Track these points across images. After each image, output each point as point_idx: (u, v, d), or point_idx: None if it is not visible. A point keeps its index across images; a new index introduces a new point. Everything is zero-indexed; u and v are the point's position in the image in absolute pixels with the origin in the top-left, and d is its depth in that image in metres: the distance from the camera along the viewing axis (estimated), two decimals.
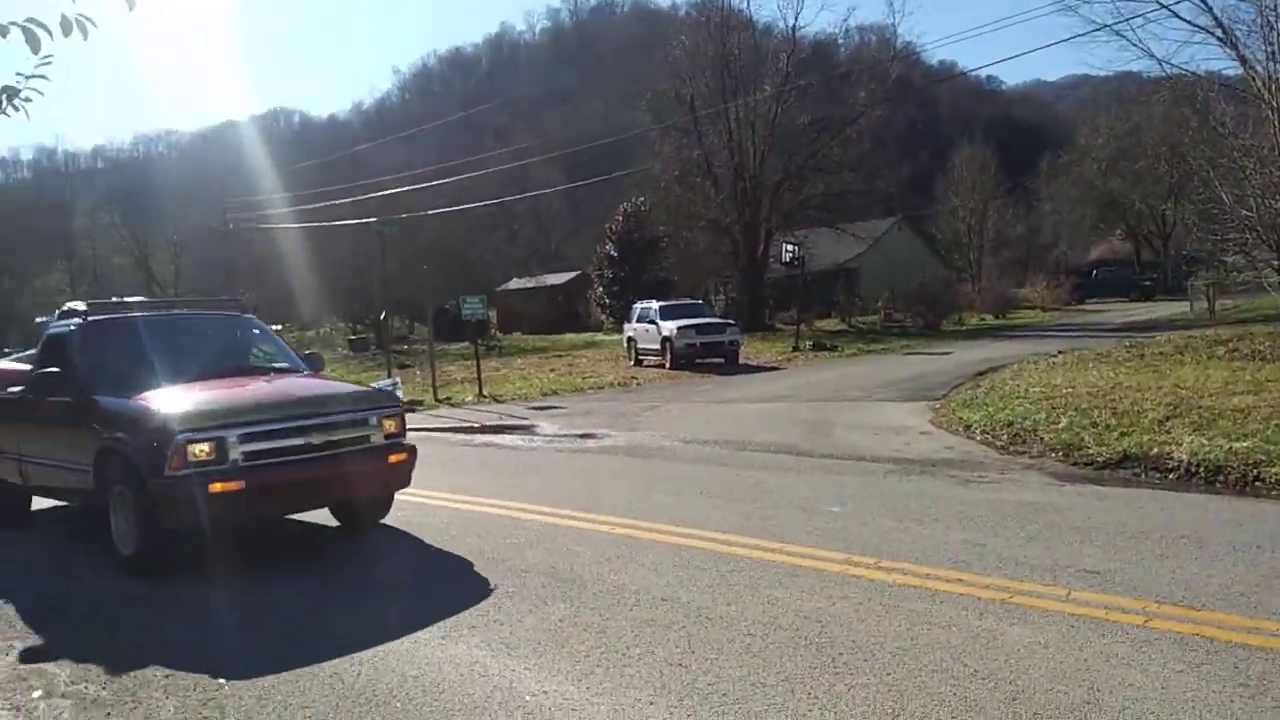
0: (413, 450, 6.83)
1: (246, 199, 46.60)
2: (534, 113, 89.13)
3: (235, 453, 5.88)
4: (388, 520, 7.36)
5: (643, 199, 43.11)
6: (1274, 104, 16.03)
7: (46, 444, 7.24)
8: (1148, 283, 49.16)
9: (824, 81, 40.54)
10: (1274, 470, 7.16)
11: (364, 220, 30.76)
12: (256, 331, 8.36)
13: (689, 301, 29.17)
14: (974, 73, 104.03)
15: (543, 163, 55.76)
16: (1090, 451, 8.56)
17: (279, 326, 38.71)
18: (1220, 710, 3.40)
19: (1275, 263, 16.43)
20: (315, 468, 6.24)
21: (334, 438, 6.34)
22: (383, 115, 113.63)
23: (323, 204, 40.48)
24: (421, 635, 4.72)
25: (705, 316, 26.22)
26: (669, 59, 40.30)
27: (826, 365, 23.17)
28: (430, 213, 40.27)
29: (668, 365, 24.00)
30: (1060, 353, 18.21)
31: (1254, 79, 16.93)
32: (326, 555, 6.96)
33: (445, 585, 5.71)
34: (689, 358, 23.80)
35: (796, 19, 38.78)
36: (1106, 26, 20.61)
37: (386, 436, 6.67)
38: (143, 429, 5.99)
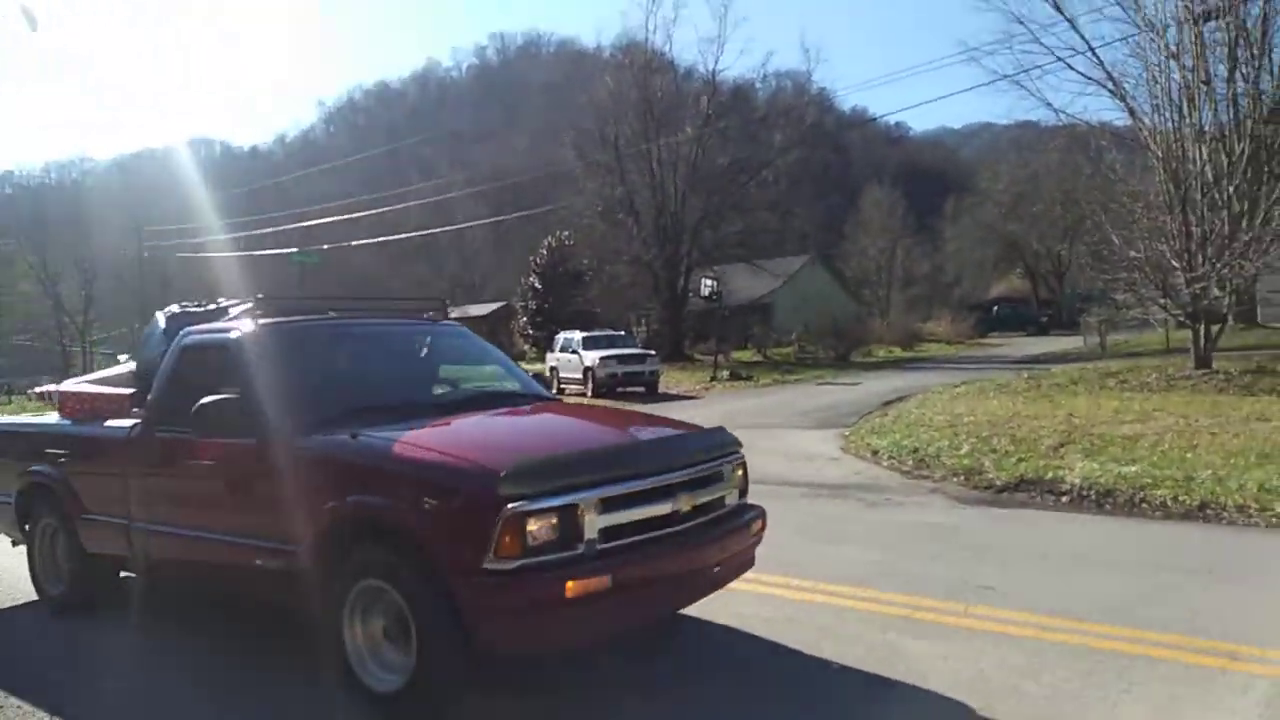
0: (764, 514, 4.78)
1: (165, 228, 45.33)
2: (460, 148, 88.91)
3: (592, 529, 3.71)
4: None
5: (567, 233, 43.46)
6: (1159, 152, 17.09)
7: (199, 506, 4.85)
8: (1044, 319, 51.52)
9: (743, 124, 41.59)
10: (1159, 493, 7.61)
11: (281, 250, 30.26)
12: (469, 343, 6.15)
13: (611, 333, 29.46)
14: (883, 119, 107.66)
15: (467, 197, 55.68)
16: (989, 476, 8.94)
17: None
18: (1106, 714, 3.64)
19: (1160, 301, 17.39)
20: (689, 548, 4.11)
21: (700, 501, 4.25)
22: (306, 147, 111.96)
23: (244, 234, 39.68)
24: None
25: (627, 347, 26.61)
26: (593, 100, 40.87)
27: (743, 394, 23.55)
28: (353, 244, 39.84)
29: (589, 394, 24.15)
30: (963, 384, 18.88)
31: (1141, 129, 18.04)
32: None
33: None
34: (610, 387, 24.11)
35: (716, 63, 39.36)
36: (1007, 77, 21.77)
37: (740, 493, 4.73)
38: (432, 487, 3.74)
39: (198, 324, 5.43)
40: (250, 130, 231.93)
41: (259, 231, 39.38)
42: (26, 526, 6.08)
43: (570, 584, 3.55)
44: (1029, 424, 11.50)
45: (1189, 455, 8.87)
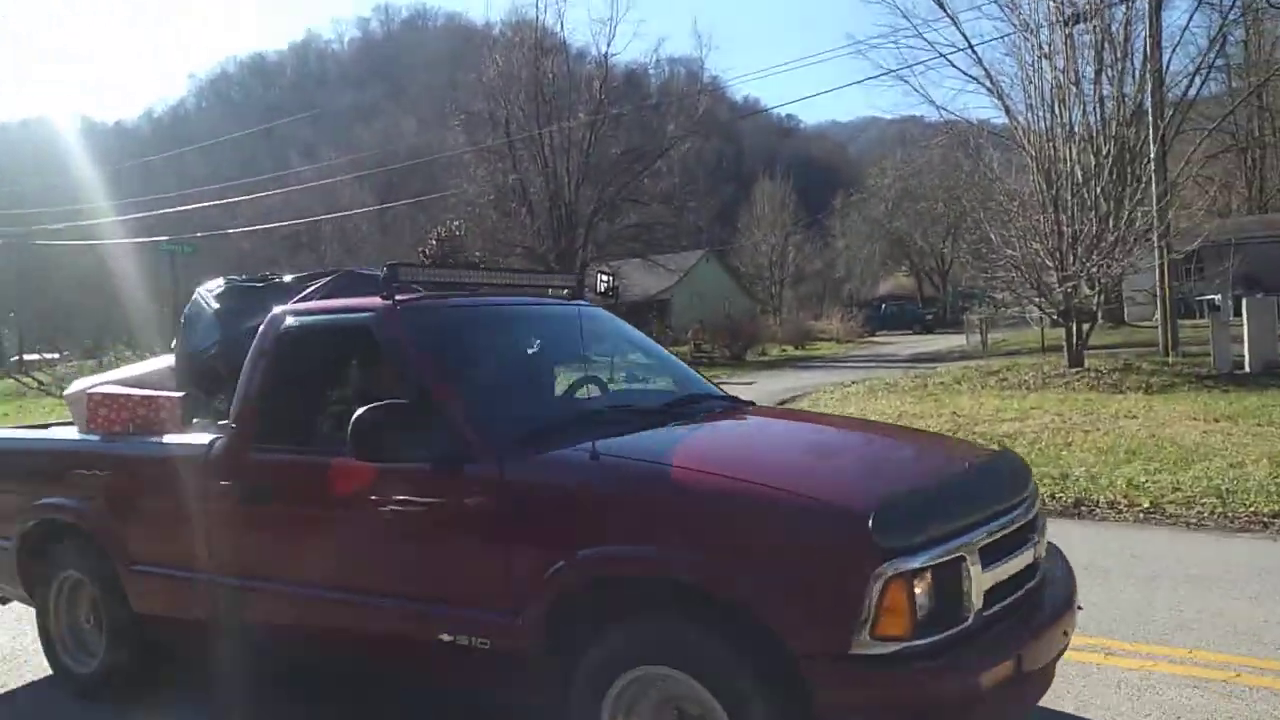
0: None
1: (12, 211, 42.33)
2: (342, 127, 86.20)
3: (978, 591, 2.67)
4: None
5: (457, 223, 42.58)
6: (1033, 152, 17.81)
7: (340, 556, 3.51)
8: (929, 317, 53.33)
9: (636, 111, 41.58)
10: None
11: (153, 239, 28.67)
12: (613, 327, 4.87)
13: None
14: (775, 110, 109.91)
15: (352, 181, 53.98)
16: None
17: (56, 355, 35.22)
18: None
19: (1036, 300, 18.15)
20: (1057, 614, 3.05)
21: (1041, 549, 3.21)
22: (177, 124, 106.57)
23: (110, 219, 37.40)
24: None
25: None
26: (483, 79, 40.14)
27: None
28: (230, 231, 38.07)
29: None
30: (853, 383, 19.34)
31: (1016, 128, 18.77)
32: None
33: None
34: None
35: (609, 46, 39.27)
36: (892, 72, 22.44)
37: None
38: (769, 533, 2.63)
39: (262, 303, 4.15)
40: (115, 105, 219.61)
41: (127, 217, 37.20)
42: (35, 580, 4.55)
43: (985, 675, 2.56)
44: (916, 423, 11.80)
45: (1064, 452, 9.24)
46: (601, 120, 38.19)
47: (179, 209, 36.89)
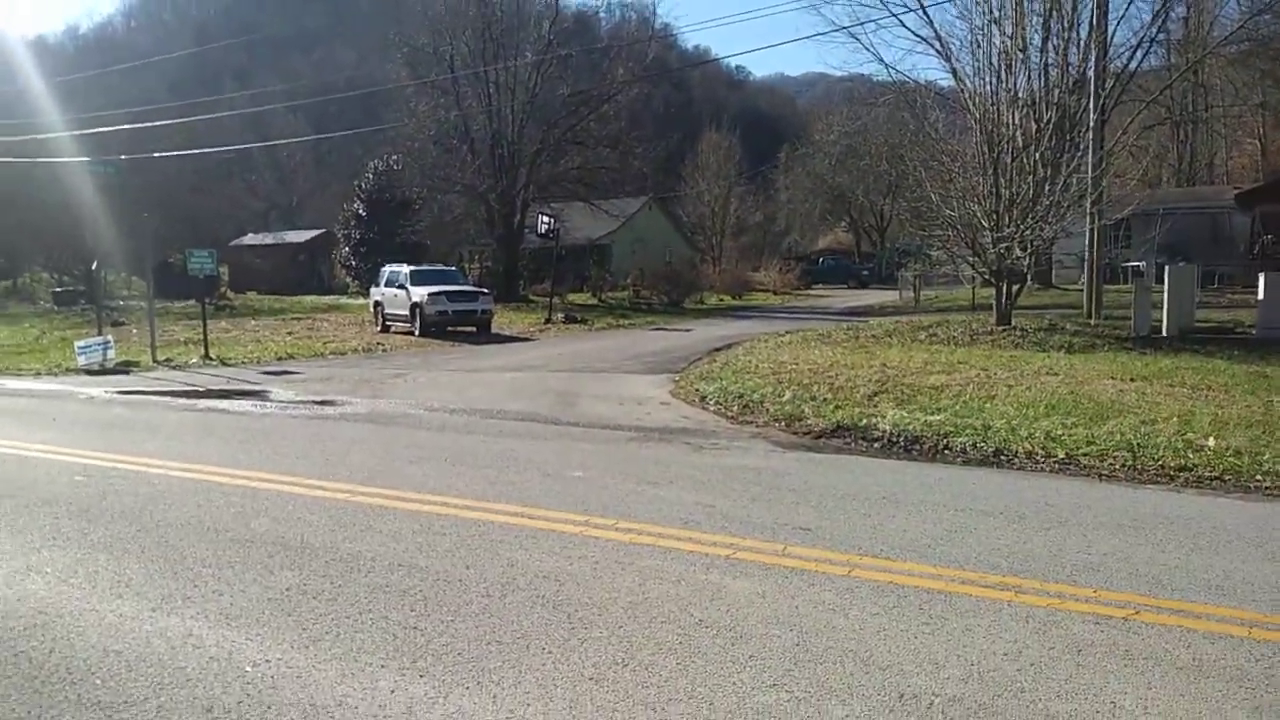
0: None
1: None
2: (279, 55, 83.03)
3: None
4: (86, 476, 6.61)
5: (395, 157, 41.54)
6: (977, 115, 18.07)
7: None
8: (865, 272, 54.14)
9: (584, 54, 40.87)
10: (960, 440, 8.14)
11: (75, 159, 27.39)
12: None
13: (442, 268, 28.52)
14: (724, 61, 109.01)
15: (287, 110, 52.22)
16: (809, 422, 9.31)
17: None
18: (907, 644, 3.84)
19: (970, 259, 18.55)
20: None
21: None
22: (103, 43, 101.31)
23: (25, 137, 35.54)
24: (126, 608, 4.33)
25: (458, 284, 25.78)
26: (427, 14, 38.95)
27: (577, 338, 23.54)
28: (156, 155, 36.49)
29: (417, 332, 23.40)
30: (788, 333, 19.60)
31: (962, 90, 18.99)
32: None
33: (156, 554, 5.25)
34: (440, 325, 23.35)
35: None
36: (844, 28, 22.48)
37: None
38: None
39: None
40: (35, 19, 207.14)
41: (45, 136, 35.38)
42: None
43: None
44: (847, 374, 12.05)
45: (987, 405, 9.54)
46: (549, 61, 37.47)
47: (102, 129, 35.18)
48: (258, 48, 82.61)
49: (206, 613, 4.25)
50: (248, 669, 3.62)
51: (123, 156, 26.08)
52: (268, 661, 3.69)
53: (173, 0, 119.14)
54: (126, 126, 36.44)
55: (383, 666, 3.63)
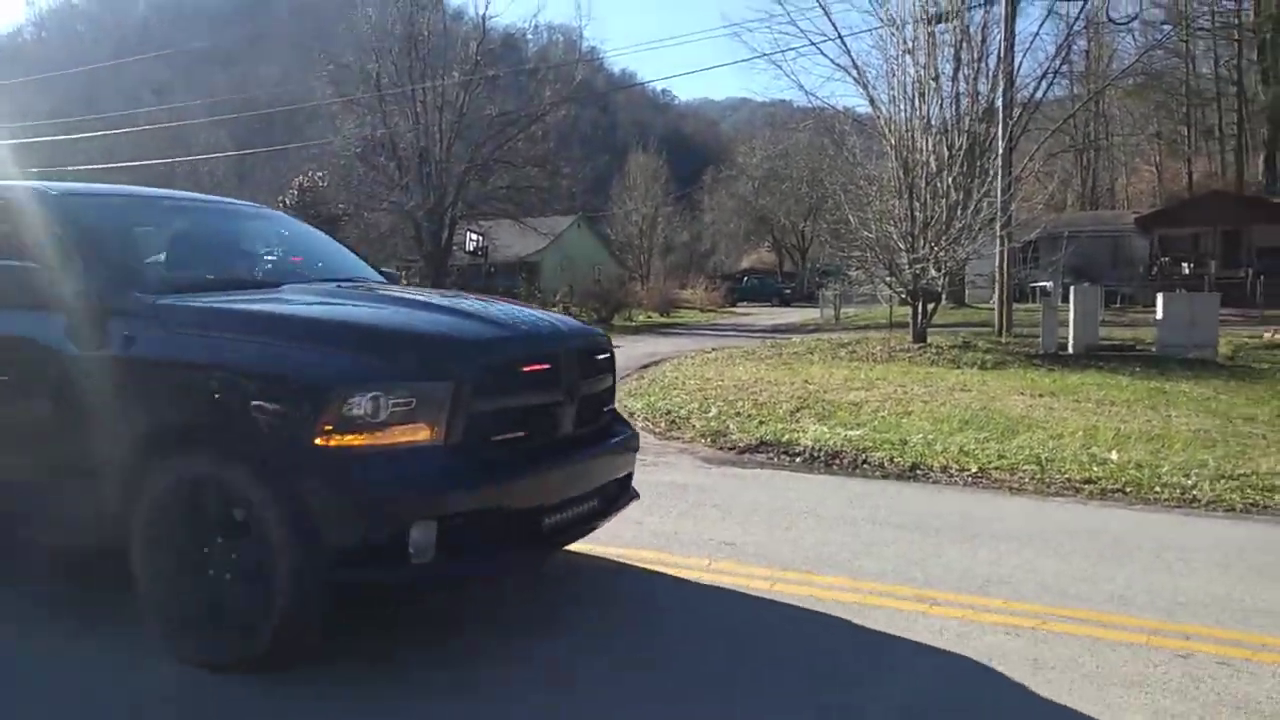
0: None
1: None
2: (200, 69, 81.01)
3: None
4: None
5: (321, 174, 40.92)
6: (893, 141, 18.66)
7: None
8: (787, 291, 55.25)
9: (512, 75, 40.96)
10: (878, 454, 8.40)
11: None
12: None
13: None
14: (650, 85, 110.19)
15: (209, 125, 50.95)
16: (734, 438, 9.48)
17: None
18: (830, 654, 4.00)
19: (887, 279, 19.09)
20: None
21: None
22: (14, 53, 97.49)
23: None
24: None
25: None
26: (354, 31, 38.59)
27: None
28: (71, 169, 35.27)
29: None
30: (714, 350, 19.84)
31: (879, 117, 19.59)
32: None
33: None
34: None
35: (487, 7, 38.90)
36: (765, 55, 23.00)
37: None
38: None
39: None
40: None
41: None
42: None
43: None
44: (770, 390, 12.29)
45: (904, 421, 9.86)
46: (477, 81, 37.46)
47: (15, 141, 33.85)
48: (177, 62, 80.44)
49: None
50: None
51: (34, 170, 25.09)
52: None
53: (86, 11, 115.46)
54: (42, 139, 35.13)
55: None
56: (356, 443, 3.38)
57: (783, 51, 37.66)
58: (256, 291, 4.43)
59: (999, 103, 19.76)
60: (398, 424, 3.42)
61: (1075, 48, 31.28)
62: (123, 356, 3.76)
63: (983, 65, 19.76)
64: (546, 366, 4.06)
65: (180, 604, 3.64)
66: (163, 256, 4.83)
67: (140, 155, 43.41)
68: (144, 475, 3.64)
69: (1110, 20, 27.86)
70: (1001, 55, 19.88)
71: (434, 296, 4.97)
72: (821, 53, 22.86)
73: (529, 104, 39.74)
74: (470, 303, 4.69)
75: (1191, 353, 15.38)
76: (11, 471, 4.11)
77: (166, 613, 3.67)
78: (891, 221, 18.02)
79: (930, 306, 19.22)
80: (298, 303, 4.21)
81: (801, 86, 30.76)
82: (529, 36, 49.41)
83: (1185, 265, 33.43)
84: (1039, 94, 25.45)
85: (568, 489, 4.05)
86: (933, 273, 17.88)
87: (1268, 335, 18.68)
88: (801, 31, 23.11)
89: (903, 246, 17.82)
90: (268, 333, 3.72)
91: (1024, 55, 23.11)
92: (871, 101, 19.94)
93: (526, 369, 3.98)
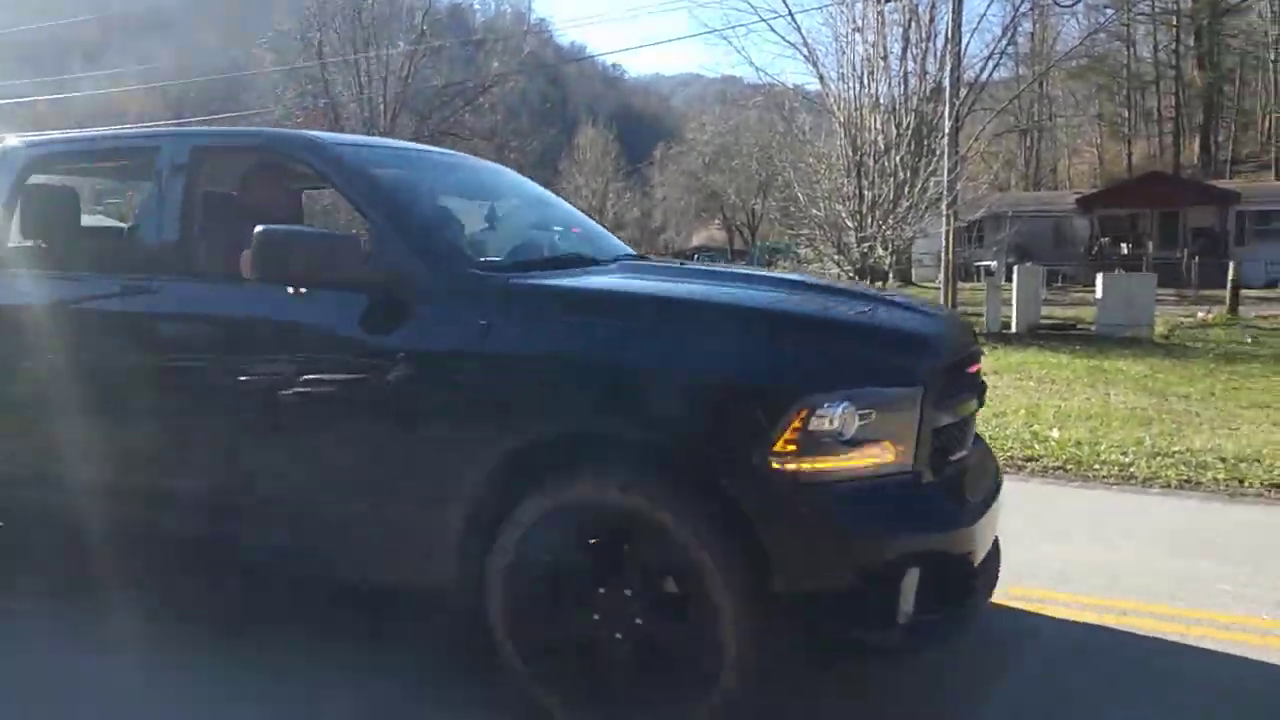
0: None
1: None
2: (134, 35, 78.27)
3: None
4: None
5: None
6: (841, 119, 18.77)
7: None
8: None
9: (460, 46, 40.34)
10: None
11: None
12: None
13: None
14: (601, 58, 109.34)
15: (144, 93, 49.34)
16: None
17: None
18: None
19: (836, 257, 19.26)
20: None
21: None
22: None
23: None
24: None
25: None
26: None
27: None
28: None
29: None
30: None
31: (828, 95, 19.69)
32: None
33: None
34: None
35: None
36: (716, 31, 22.86)
37: None
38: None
39: None
40: None
41: None
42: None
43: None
44: None
45: None
46: (423, 52, 36.82)
47: None
48: (112, 25, 77.65)
49: None
50: None
51: None
52: None
53: None
54: None
55: None
56: (825, 465, 2.60)
57: (733, 27, 37.51)
58: (601, 270, 3.54)
59: (946, 82, 19.93)
60: (869, 441, 2.64)
61: (1021, 29, 31.62)
62: (479, 352, 2.93)
63: (931, 45, 19.91)
64: (979, 366, 3.37)
65: (571, 673, 2.84)
66: (479, 227, 4.14)
67: (69, 123, 41.95)
68: (508, 502, 2.83)
69: (1055, 3, 28.26)
70: (949, 35, 20.00)
71: (791, 275, 4.20)
72: (773, 29, 22.75)
73: (476, 76, 39.19)
74: (843, 284, 3.92)
75: (1129, 332, 15.75)
76: (332, 497, 3.24)
77: (549, 684, 2.86)
78: (840, 200, 18.16)
79: (877, 284, 19.44)
80: (690, 285, 3.33)
81: (752, 63, 30.90)
82: (476, 6, 48.81)
83: (1124, 245, 34.23)
84: (985, 74, 25.72)
85: (992, 524, 3.20)
86: (880, 251, 18.08)
87: (1201, 315, 19.22)
88: (752, 8, 23.04)
89: (851, 225, 17.97)
90: (684, 322, 2.86)
91: (971, 35, 23.30)
92: (821, 79, 20.06)
93: (970, 369, 3.26)
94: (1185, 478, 6.94)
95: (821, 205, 18.33)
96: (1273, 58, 40.20)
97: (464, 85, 38.57)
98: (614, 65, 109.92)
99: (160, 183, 3.60)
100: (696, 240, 69.95)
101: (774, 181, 34.04)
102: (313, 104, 36.89)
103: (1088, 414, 9.15)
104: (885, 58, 18.94)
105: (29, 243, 4.08)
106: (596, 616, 2.77)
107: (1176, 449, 7.67)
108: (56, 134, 4.72)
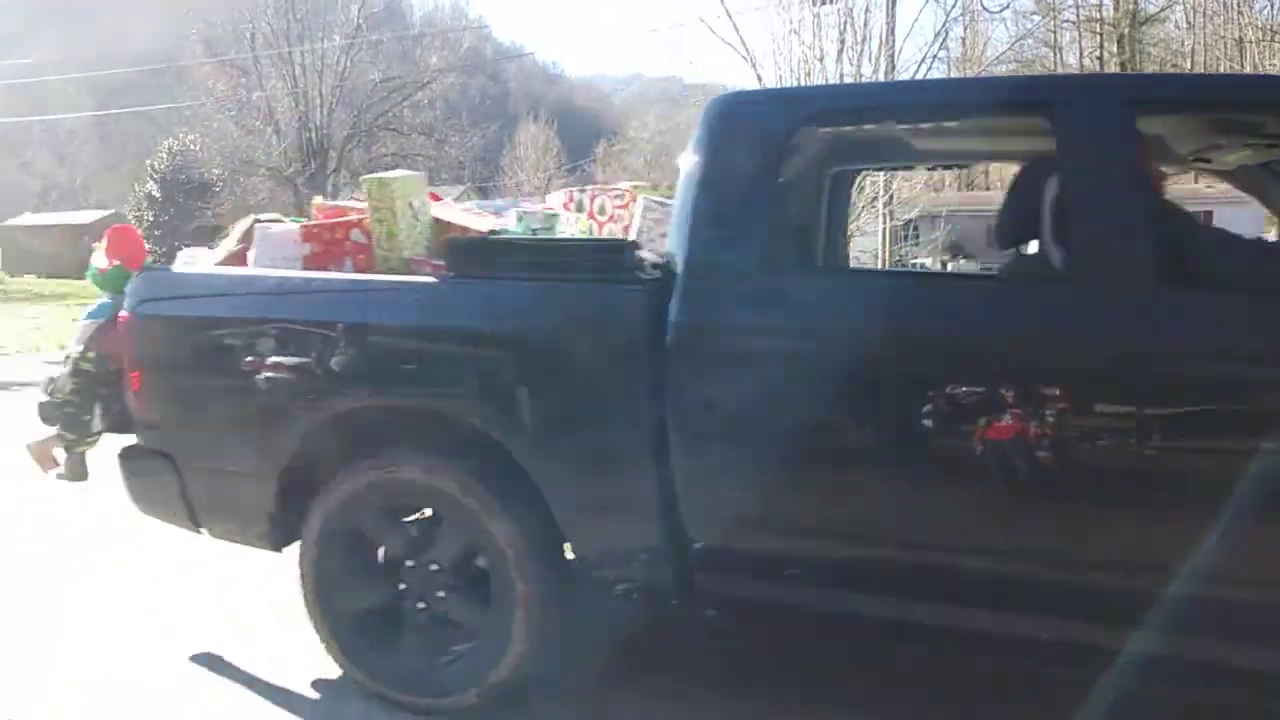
0: None
1: None
2: (58, 24, 75.62)
3: None
4: None
5: (192, 137, 38.98)
6: None
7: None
8: None
9: (397, 40, 39.91)
10: None
11: None
12: None
13: None
14: (541, 57, 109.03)
15: (67, 83, 47.66)
16: None
17: None
18: None
19: None
20: None
21: None
22: None
23: None
24: None
25: None
26: None
27: None
28: None
29: None
30: None
31: None
32: None
33: None
34: None
35: None
36: (656, 31, 22.96)
37: None
38: None
39: None
40: None
41: None
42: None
43: None
44: None
45: None
46: (359, 45, 36.36)
47: None
48: (32, 10, 74.94)
49: None
50: None
51: None
52: None
53: None
54: None
55: None
56: None
57: (673, 27, 37.75)
58: None
59: None
60: None
61: (952, 34, 32.43)
62: None
63: (866, 48, 20.29)
64: None
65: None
66: None
67: None
68: None
69: (984, 9, 29.02)
70: (884, 38, 20.47)
71: None
72: (712, 30, 22.97)
73: (414, 70, 38.83)
74: None
75: None
76: None
77: None
78: None
79: None
80: None
81: (692, 62, 31.01)
82: (413, 1, 48.24)
83: None
84: (919, 76, 26.33)
85: None
86: None
87: None
88: (692, 9, 23.32)
89: None
90: None
91: (904, 39, 23.92)
92: (759, 80, 20.26)
93: None
94: None
95: None
96: (1189, 66, 41.81)
97: (402, 80, 38.17)
98: (554, 63, 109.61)
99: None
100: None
101: None
102: (245, 96, 36.19)
103: None
104: (821, 59, 19.24)
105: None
106: None
107: None
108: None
